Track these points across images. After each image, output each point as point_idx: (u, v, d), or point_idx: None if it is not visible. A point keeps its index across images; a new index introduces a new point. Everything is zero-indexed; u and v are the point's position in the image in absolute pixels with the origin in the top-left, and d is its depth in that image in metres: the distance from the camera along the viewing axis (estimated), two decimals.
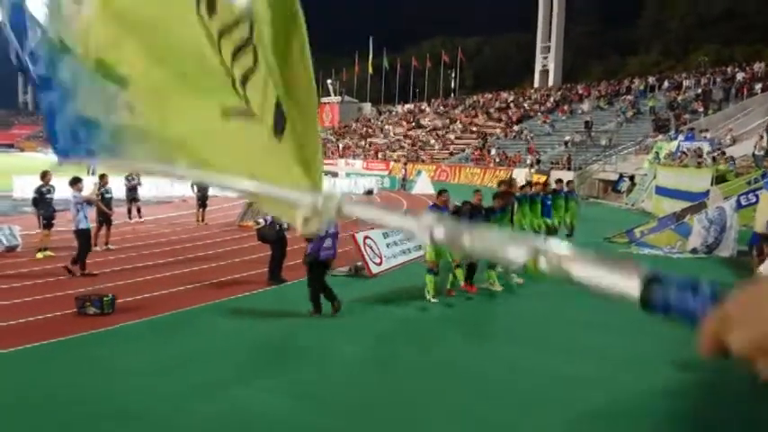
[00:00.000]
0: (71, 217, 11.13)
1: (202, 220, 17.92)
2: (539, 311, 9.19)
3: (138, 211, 17.92)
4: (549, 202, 13.05)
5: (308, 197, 1.38)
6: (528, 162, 37.78)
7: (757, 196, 14.82)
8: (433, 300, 9.37)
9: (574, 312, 8.96)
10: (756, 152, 23.01)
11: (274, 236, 10.29)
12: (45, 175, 12.55)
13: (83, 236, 10.90)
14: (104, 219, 13.09)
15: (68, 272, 10.75)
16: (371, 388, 6.11)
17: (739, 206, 15.46)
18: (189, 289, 10.04)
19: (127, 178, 17.94)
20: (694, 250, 14.13)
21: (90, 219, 11.31)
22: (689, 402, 5.93)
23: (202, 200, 18.09)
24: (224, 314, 8.78)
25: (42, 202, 12.33)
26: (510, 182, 13.79)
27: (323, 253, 8.67)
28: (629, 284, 0.76)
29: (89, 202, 11.63)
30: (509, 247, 0.95)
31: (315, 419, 5.38)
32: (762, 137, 23.88)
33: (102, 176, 13.26)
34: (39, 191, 12.38)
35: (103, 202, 12.95)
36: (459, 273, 9.59)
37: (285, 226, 10.50)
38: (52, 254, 12.34)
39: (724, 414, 5.82)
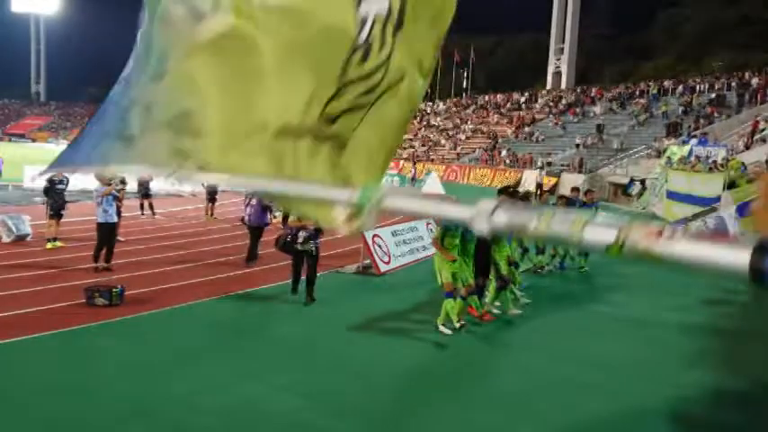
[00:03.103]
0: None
1: (212, 215, 17.96)
2: (551, 322, 9.12)
3: (151, 207, 17.76)
4: None
5: (345, 193, 1.32)
6: (539, 164, 37.66)
7: None
8: (448, 330, 7.84)
9: (585, 323, 8.92)
10: None
11: (294, 249, 9.40)
12: None
13: (98, 229, 10.83)
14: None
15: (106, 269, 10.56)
16: (382, 390, 6.06)
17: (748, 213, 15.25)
18: (198, 282, 10.04)
19: None
20: None
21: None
22: (695, 411, 5.87)
23: (212, 194, 18.13)
24: (233, 308, 8.79)
25: (53, 192, 12.34)
26: (516, 184, 13.07)
27: (246, 218, 11.58)
28: (737, 256, 0.72)
29: (116, 196, 11.38)
30: (589, 228, 0.87)
31: (327, 421, 5.32)
32: None
33: None
34: (50, 180, 12.38)
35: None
36: (473, 300, 8.25)
37: (300, 240, 9.62)
38: (62, 244, 12.40)
39: (731, 421, 5.76)
